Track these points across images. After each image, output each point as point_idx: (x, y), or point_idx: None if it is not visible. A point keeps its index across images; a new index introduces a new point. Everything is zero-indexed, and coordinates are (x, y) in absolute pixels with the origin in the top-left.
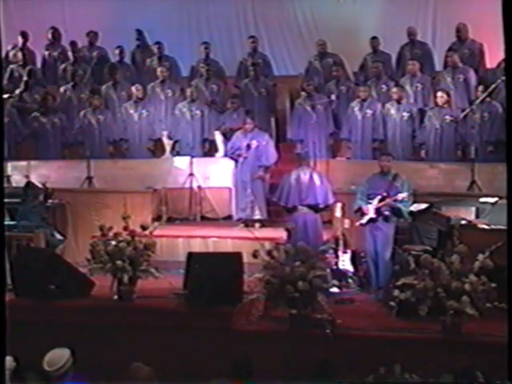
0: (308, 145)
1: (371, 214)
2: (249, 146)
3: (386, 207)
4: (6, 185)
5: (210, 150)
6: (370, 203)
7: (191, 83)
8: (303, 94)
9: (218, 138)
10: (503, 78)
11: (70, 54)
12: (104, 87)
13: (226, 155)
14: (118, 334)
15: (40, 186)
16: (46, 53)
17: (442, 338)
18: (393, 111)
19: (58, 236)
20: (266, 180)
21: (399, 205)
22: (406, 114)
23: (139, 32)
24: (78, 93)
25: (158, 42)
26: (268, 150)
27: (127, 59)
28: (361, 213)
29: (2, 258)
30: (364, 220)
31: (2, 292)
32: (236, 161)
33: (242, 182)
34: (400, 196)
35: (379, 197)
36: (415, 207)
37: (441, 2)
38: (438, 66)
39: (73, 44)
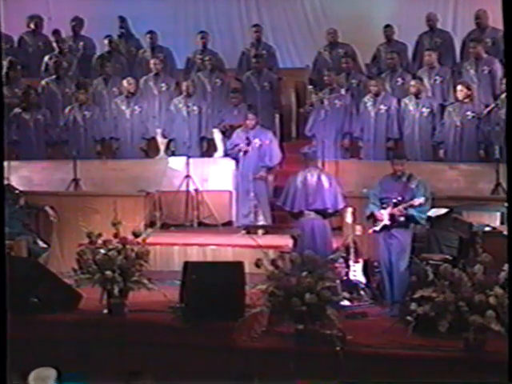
0: (316, 144)
1: (385, 221)
2: (248, 139)
3: (401, 213)
4: None
5: (208, 150)
6: (384, 208)
7: (188, 76)
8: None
9: (217, 136)
10: None
11: (54, 44)
12: (95, 81)
13: (225, 155)
14: (107, 352)
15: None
16: (27, 41)
17: (465, 357)
18: (411, 107)
19: (41, 244)
20: (270, 182)
21: (415, 211)
22: (425, 110)
23: (122, 19)
24: (62, 87)
25: (150, 32)
26: (272, 149)
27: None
28: (374, 219)
29: (2, 259)
30: (377, 227)
31: (2, 291)
32: (237, 161)
33: (243, 184)
34: (416, 201)
35: (393, 201)
36: (433, 212)
37: None
38: (460, 57)
39: (56, 33)
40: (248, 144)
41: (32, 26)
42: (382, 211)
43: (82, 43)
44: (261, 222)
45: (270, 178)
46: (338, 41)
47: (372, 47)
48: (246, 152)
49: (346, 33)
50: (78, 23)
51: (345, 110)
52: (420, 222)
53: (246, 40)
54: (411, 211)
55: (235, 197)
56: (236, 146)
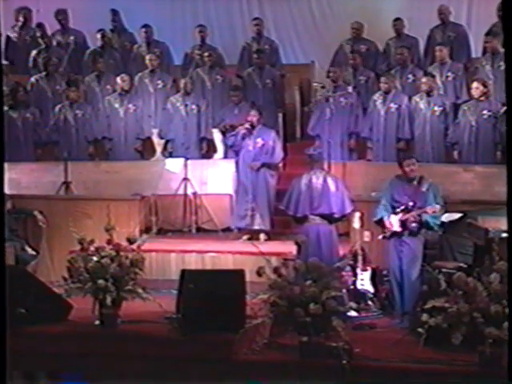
0: (322, 144)
1: (395, 228)
2: (251, 123)
3: (415, 220)
4: None
5: (207, 151)
6: (394, 213)
7: (186, 73)
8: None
9: (217, 136)
10: None
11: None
12: (87, 78)
13: (225, 157)
14: (99, 365)
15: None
16: (14, 36)
17: (480, 372)
18: (422, 105)
19: (30, 251)
20: (272, 185)
21: (429, 216)
22: (437, 109)
23: (114, 12)
24: (52, 84)
25: (145, 25)
26: (274, 148)
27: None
28: (383, 224)
29: (2, 260)
30: (387, 233)
31: (2, 293)
32: (237, 162)
33: (242, 184)
34: (430, 209)
35: (404, 207)
36: (447, 217)
37: None
38: (475, 53)
39: (40, 27)
40: (249, 129)
41: (21, 18)
42: (392, 218)
43: (72, 37)
44: (257, 226)
45: (273, 181)
46: (363, 36)
47: (381, 42)
48: (244, 149)
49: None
50: (63, 16)
51: (351, 109)
52: (434, 229)
53: (247, 34)
54: (426, 217)
55: (234, 198)
56: (235, 135)
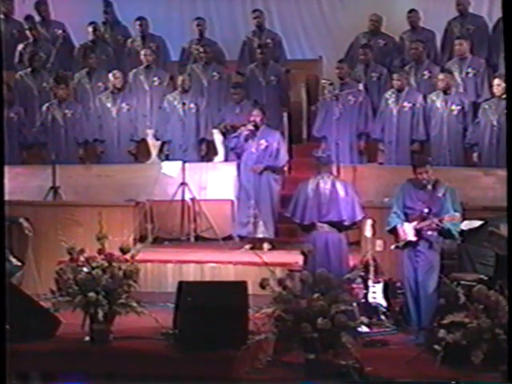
0: (330, 146)
1: (410, 237)
2: (255, 123)
3: (429, 227)
4: None
5: (206, 154)
6: (408, 221)
7: (183, 69)
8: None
9: (217, 138)
10: None
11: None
12: (77, 75)
13: (226, 160)
14: None
15: None
16: None
17: None
18: (438, 104)
19: (15, 261)
20: (276, 190)
21: (450, 224)
22: (455, 108)
23: (107, 3)
24: (39, 81)
25: (139, 18)
26: (279, 150)
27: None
28: (396, 233)
29: (2, 262)
30: (401, 242)
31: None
32: (239, 165)
33: (244, 189)
34: (448, 217)
35: (418, 213)
36: (466, 225)
37: None
38: None
39: (29, 19)
40: (251, 130)
41: (3, 9)
42: (406, 226)
43: (60, 31)
44: (260, 235)
45: (277, 185)
46: (381, 30)
47: (394, 36)
48: (248, 136)
49: (364, 19)
50: (43, 8)
51: (360, 108)
52: (455, 237)
53: (249, 28)
54: (446, 224)
55: (236, 204)
56: (237, 136)
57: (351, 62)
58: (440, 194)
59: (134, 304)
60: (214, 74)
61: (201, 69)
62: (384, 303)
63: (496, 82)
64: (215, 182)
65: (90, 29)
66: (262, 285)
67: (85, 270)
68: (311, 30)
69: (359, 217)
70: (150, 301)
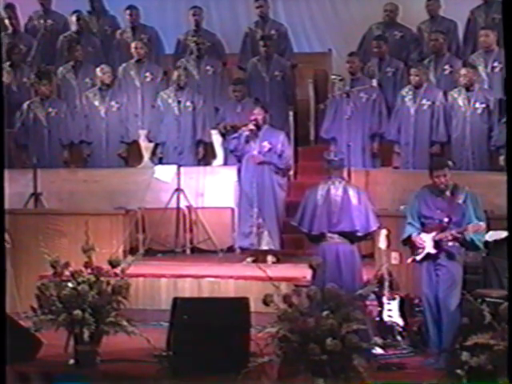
0: (340, 148)
1: (428, 248)
2: (256, 121)
3: (450, 238)
4: None
5: (204, 157)
6: (425, 231)
7: (179, 63)
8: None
9: (216, 139)
10: None
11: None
12: (61, 69)
13: (226, 163)
14: None
15: None
16: None
17: None
18: (460, 102)
19: None
20: (281, 197)
21: (473, 235)
22: (479, 106)
23: None
24: (19, 76)
25: (129, 7)
26: (284, 152)
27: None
28: (412, 244)
29: (2, 263)
30: (419, 255)
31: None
32: (239, 170)
33: (245, 196)
34: (472, 228)
35: (437, 223)
36: (491, 236)
37: None
38: None
39: (9, 7)
40: (253, 131)
41: None
42: (424, 236)
43: (49, 21)
44: (265, 247)
45: (282, 192)
46: (397, 21)
47: (412, 26)
48: (249, 137)
49: (378, 8)
50: None
51: (373, 106)
52: (480, 248)
53: (251, 18)
54: (470, 234)
55: (237, 212)
56: (238, 137)
57: (364, 55)
58: (460, 201)
59: (124, 323)
60: (208, 68)
61: (192, 63)
62: (400, 322)
63: None
64: (213, 188)
65: (74, 18)
66: (266, 301)
67: (70, 285)
68: (320, 21)
69: (374, 227)
70: (141, 319)
